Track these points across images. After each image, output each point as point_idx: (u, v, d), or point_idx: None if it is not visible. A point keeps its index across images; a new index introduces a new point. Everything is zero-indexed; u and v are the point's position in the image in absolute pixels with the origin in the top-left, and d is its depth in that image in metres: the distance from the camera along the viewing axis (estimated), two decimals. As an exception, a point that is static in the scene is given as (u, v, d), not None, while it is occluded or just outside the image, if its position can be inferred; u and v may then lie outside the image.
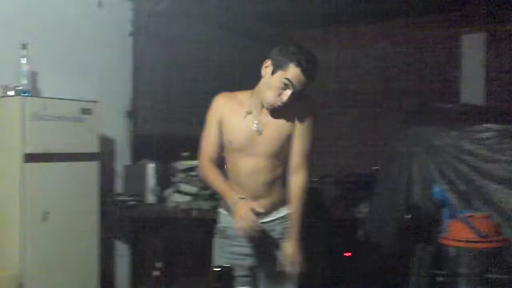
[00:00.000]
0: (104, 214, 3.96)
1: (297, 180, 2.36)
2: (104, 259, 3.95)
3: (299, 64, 2.19)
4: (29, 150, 3.44)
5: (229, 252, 2.39)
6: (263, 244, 2.38)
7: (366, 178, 5.04)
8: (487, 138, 4.08)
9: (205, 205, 4.00)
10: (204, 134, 2.40)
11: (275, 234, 2.38)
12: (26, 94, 3.56)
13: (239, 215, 2.21)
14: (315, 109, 2.44)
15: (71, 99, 3.74)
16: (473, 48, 5.88)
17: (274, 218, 2.39)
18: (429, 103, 4.96)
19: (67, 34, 4.18)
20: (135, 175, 4.39)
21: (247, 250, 2.38)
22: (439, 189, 3.30)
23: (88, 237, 3.70)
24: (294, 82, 2.20)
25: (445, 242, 3.12)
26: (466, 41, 5.92)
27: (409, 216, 3.02)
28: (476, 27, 5.83)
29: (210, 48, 5.60)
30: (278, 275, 2.39)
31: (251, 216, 2.19)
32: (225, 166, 2.47)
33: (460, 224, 3.11)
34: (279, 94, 2.22)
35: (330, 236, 4.01)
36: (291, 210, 2.37)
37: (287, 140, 2.35)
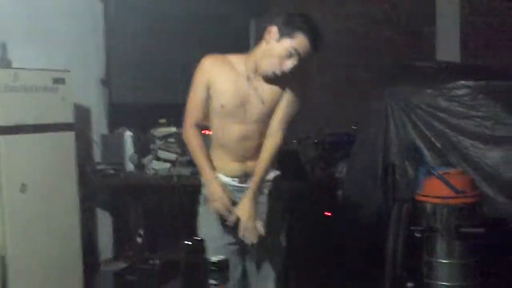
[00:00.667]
0: (83, 183, 3.94)
1: (272, 143, 2.31)
2: (85, 229, 3.95)
3: (308, 34, 2.14)
4: (2, 122, 3.38)
5: (215, 220, 2.33)
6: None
7: (344, 138, 5.07)
8: (462, 95, 4.12)
9: (185, 171, 4.01)
10: (190, 96, 2.31)
11: (263, 198, 2.35)
12: (-5, 66, 3.49)
13: (212, 196, 2.21)
14: (306, 77, 2.39)
15: (42, 69, 3.67)
16: (447, 4, 5.86)
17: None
18: (404, 61, 4.97)
19: (36, 2, 4.06)
20: (113, 144, 4.36)
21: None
22: (414, 146, 3.33)
23: (69, 207, 3.69)
24: (300, 52, 2.14)
25: (421, 199, 3.17)
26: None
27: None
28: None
29: (184, 13, 5.50)
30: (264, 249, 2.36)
31: (224, 199, 2.19)
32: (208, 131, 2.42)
33: (436, 181, 3.16)
34: (281, 63, 2.16)
35: (310, 196, 4.05)
36: (256, 169, 2.31)
37: (273, 106, 2.31)
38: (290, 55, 2.15)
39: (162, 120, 4.38)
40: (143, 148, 4.33)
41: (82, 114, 4.27)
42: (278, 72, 2.18)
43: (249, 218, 2.24)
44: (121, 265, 4.25)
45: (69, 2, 4.35)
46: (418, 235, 3.08)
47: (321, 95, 5.92)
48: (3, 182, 3.36)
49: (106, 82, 4.71)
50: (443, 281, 3.05)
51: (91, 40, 4.61)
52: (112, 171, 4.21)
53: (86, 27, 4.57)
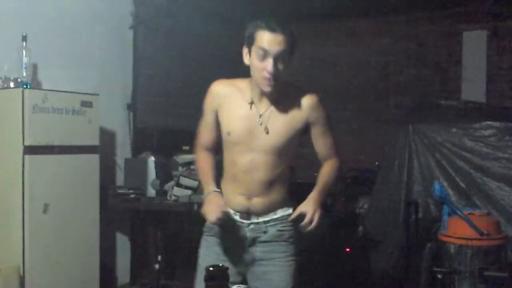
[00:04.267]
0: (105, 206, 3.96)
1: (330, 162, 2.25)
2: (105, 252, 3.96)
3: (265, 27, 2.01)
4: (29, 142, 3.44)
5: (217, 252, 2.22)
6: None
7: (366, 174, 5.04)
8: (488, 136, 4.08)
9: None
10: (201, 122, 2.27)
11: (267, 237, 2.21)
12: (26, 86, 3.55)
13: (207, 208, 2.09)
14: (320, 100, 2.22)
15: (71, 92, 3.74)
16: (474, 45, 5.86)
17: (268, 219, 2.20)
18: (430, 99, 4.96)
19: (68, 26, 4.17)
20: (136, 169, 4.38)
21: (238, 250, 2.22)
22: (439, 185, 3.29)
23: (89, 229, 3.70)
24: (269, 47, 2.01)
25: (445, 239, 3.12)
26: (467, 38, 5.90)
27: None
28: (477, 24, 5.81)
29: (210, 40, 5.58)
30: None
31: (218, 213, 2.06)
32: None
33: (460, 221, 3.11)
34: (263, 68, 2.03)
35: (331, 231, 4.01)
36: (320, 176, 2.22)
37: (293, 136, 2.15)
38: (263, 57, 2.02)
39: (186, 147, 4.39)
40: (165, 174, 4.35)
41: (107, 137, 4.32)
42: (268, 78, 2.04)
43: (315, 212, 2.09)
44: (138, 290, 4.23)
45: (100, 28, 4.45)
46: (440, 276, 3.03)
47: (344, 130, 5.92)
48: (27, 202, 3.40)
49: (131, 107, 4.77)
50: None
51: (119, 65, 4.70)
52: (133, 196, 4.22)
53: (115, 52, 4.67)
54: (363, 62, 6.32)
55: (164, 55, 5.10)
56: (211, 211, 2.08)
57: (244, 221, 2.19)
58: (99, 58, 4.44)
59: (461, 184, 4.03)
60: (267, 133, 2.13)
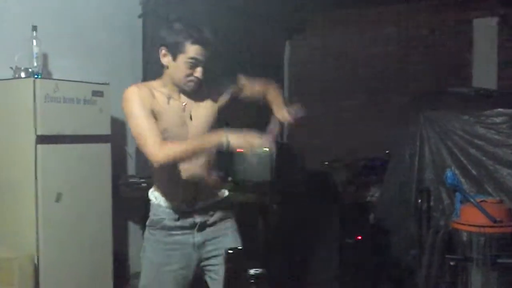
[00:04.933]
0: (117, 195, 3.98)
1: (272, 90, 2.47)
2: (117, 240, 3.98)
3: (195, 41, 2.11)
4: (42, 132, 3.45)
5: (161, 246, 2.26)
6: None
7: (376, 162, 5.04)
8: (500, 123, 4.06)
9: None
10: (137, 125, 2.11)
11: (214, 218, 2.30)
12: (37, 76, 3.56)
13: (248, 138, 2.07)
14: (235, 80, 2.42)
15: (82, 81, 3.74)
16: (485, 32, 5.82)
17: (211, 202, 2.30)
18: (441, 87, 4.93)
19: (77, 16, 4.17)
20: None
21: (189, 238, 2.27)
22: (451, 173, 3.28)
23: (102, 218, 3.72)
24: (200, 57, 2.13)
25: (457, 226, 3.12)
26: (478, 25, 5.86)
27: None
28: (488, 11, 5.77)
29: (220, 27, 5.54)
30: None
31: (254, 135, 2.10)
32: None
33: (473, 209, 3.10)
34: (192, 74, 2.15)
35: (341, 219, 4.01)
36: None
37: (214, 120, 2.30)
38: (193, 65, 2.14)
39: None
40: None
41: (118, 127, 4.32)
42: (196, 82, 2.17)
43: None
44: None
45: (109, 17, 4.45)
46: (452, 263, 3.03)
47: (353, 118, 5.91)
48: (40, 191, 3.42)
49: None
50: (477, 312, 2.98)
51: (128, 54, 4.70)
52: (144, 184, 4.23)
53: (124, 42, 4.67)
54: (373, 50, 6.29)
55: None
56: (256, 137, 2.07)
57: (191, 208, 2.25)
58: (108, 48, 4.44)
59: (473, 171, 4.02)
60: (195, 122, 2.24)
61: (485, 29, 5.83)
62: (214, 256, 2.28)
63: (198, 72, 2.16)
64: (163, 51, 2.17)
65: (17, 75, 3.60)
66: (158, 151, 2.07)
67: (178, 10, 5.08)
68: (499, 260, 2.93)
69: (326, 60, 6.27)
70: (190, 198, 2.26)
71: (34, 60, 3.61)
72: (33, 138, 3.42)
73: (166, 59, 2.18)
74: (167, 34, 2.17)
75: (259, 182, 3.88)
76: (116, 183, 4.00)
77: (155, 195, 2.32)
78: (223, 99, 2.34)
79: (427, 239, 3.16)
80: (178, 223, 2.26)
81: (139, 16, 4.79)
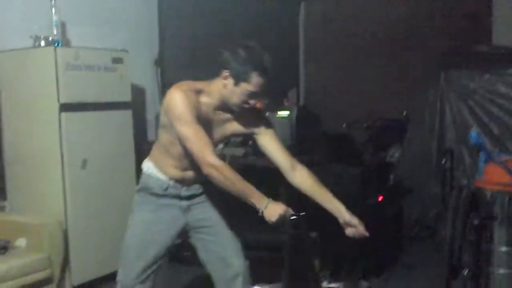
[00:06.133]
0: (140, 161, 4.00)
1: (305, 174, 2.39)
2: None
3: (262, 74, 2.17)
4: (64, 100, 3.49)
5: (151, 208, 2.40)
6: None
7: (395, 124, 5.00)
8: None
9: (237, 151, 4.03)
10: (191, 131, 2.16)
11: (200, 191, 2.43)
12: (57, 45, 3.57)
13: (277, 210, 2.11)
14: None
15: (102, 49, 3.74)
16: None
17: (199, 182, 2.41)
18: (461, 46, 4.86)
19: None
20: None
21: (175, 202, 2.41)
22: (475, 133, 3.26)
23: (127, 184, 3.76)
24: (258, 89, 2.20)
25: (481, 185, 3.11)
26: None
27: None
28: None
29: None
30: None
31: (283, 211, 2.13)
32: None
33: (497, 168, 3.09)
34: (246, 101, 2.23)
35: (362, 180, 4.02)
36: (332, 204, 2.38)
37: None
38: (251, 96, 2.21)
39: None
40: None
41: (137, 93, 4.34)
42: (247, 107, 2.25)
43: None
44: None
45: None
46: (476, 222, 3.03)
47: (371, 79, 5.85)
48: (66, 158, 3.47)
49: (159, 63, 4.76)
50: (501, 269, 3.00)
51: (145, 21, 4.67)
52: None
53: (141, 9, 4.63)
54: (390, 11, 6.18)
55: (189, 10, 5.04)
56: (278, 209, 2.11)
57: (178, 186, 2.38)
58: (125, 15, 4.42)
59: (495, 130, 4.00)
60: (219, 128, 2.36)
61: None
62: (202, 219, 2.43)
63: (253, 101, 2.24)
64: (226, 73, 2.20)
65: (37, 44, 3.62)
66: (214, 166, 2.12)
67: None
68: (523, 218, 2.93)
69: (343, 21, 6.18)
70: (178, 180, 2.38)
71: (54, 28, 3.61)
72: (56, 106, 3.45)
73: (227, 82, 2.22)
74: (232, 59, 2.19)
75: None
76: (139, 149, 4.03)
77: (147, 166, 2.43)
78: (248, 132, 2.42)
79: (450, 198, 3.15)
80: (167, 192, 2.38)
81: (155, -17, 4.74)
